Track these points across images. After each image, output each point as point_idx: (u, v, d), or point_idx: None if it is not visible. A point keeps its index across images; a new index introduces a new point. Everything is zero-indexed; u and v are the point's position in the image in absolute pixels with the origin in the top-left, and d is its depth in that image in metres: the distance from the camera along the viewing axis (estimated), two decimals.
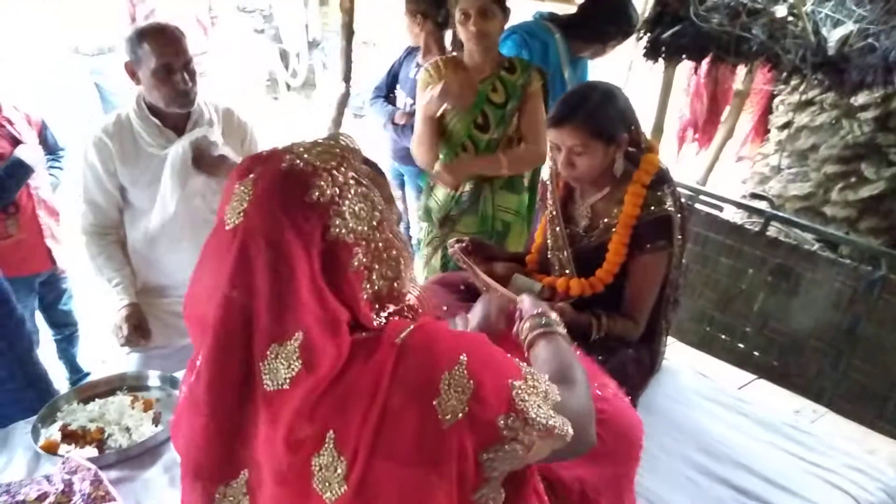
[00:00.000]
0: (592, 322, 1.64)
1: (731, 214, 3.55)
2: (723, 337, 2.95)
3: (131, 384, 1.69)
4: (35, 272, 2.42)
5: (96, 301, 2.67)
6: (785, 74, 2.37)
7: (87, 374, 2.73)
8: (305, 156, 0.78)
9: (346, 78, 3.04)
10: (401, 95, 2.90)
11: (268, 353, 0.75)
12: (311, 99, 7.17)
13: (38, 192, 2.38)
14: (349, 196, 0.77)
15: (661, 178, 1.70)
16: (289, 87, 7.24)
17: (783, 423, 1.72)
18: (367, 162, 0.87)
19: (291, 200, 0.75)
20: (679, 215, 1.71)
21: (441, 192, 2.28)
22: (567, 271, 1.76)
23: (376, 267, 0.80)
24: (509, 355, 0.84)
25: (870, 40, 2.17)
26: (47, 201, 2.44)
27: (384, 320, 0.82)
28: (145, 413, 1.55)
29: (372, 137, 3.12)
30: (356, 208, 0.78)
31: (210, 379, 0.79)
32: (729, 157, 4.62)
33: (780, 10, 2.31)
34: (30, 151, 2.24)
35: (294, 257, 0.75)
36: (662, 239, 1.68)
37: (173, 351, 2.00)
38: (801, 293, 2.68)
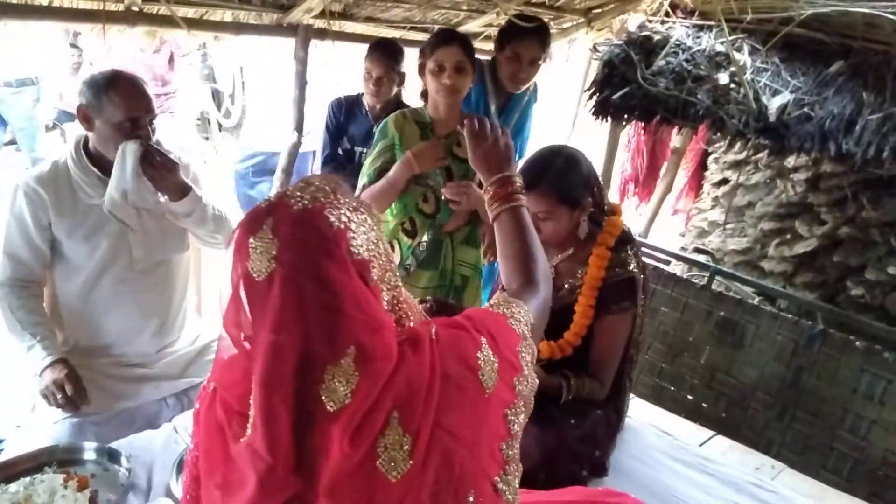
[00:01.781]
0: (562, 385, 1.61)
1: (672, 266, 3.66)
2: (672, 388, 3.00)
3: (62, 458, 1.53)
4: None
5: (5, 359, 2.44)
6: (730, 138, 2.49)
7: (1, 442, 2.48)
8: (307, 197, 0.84)
9: (298, 127, 2.99)
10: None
11: (325, 376, 0.79)
12: (241, 140, 7.04)
13: None
14: (355, 220, 0.85)
15: (625, 240, 1.72)
16: (221, 127, 7.10)
17: (747, 482, 1.73)
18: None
19: (320, 234, 0.82)
20: (642, 276, 1.73)
21: (400, 242, 2.25)
22: None
23: (385, 279, 0.88)
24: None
25: (805, 109, 2.31)
26: None
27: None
28: (80, 493, 1.39)
29: None
30: (362, 229, 0.86)
31: (266, 423, 0.80)
32: (667, 211, 4.81)
33: (723, 78, 2.44)
34: None
35: (336, 282, 0.81)
36: (627, 300, 1.69)
37: (108, 417, 1.83)
38: (746, 346, 2.77)
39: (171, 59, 4.56)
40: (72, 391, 1.68)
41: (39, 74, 4.44)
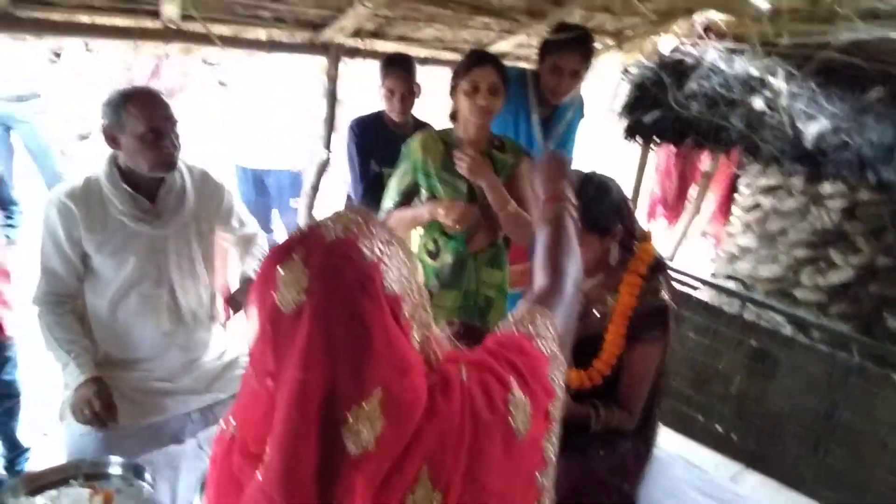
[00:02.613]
0: (591, 414, 1.58)
1: (701, 292, 3.59)
2: (700, 418, 2.92)
3: (88, 471, 1.52)
4: None
5: (36, 368, 2.47)
6: (764, 163, 2.44)
7: (27, 450, 2.50)
8: (339, 227, 0.81)
9: (327, 144, 3.02)
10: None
11: (348, 416, 0.75)
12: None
13: None
14: (388, 253, 0.82)
15: (657, 267, 1.69)
16: None
17: None
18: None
19: (353, 266, 0.78)
20: (674, 305, 1.69)
21: (424, 264, 2.24)
22: None
23: (416, 316, 0.84)
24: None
25: (843, 136, 2.26)
26: None
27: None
28: None
29: None
30: (395, 263, 0.82)
31: (286, 467, 0.75)
32: (695, 234, 4.74)
33: (758, 103, 2.41)
34: None
35: (368, 317, 0.77)
36: (658, 329, 1.66)
37: (134, 431, 1.83)
38: (778, 377, 2.69)
39: (154, 72, 4.62)
40: (100, 408, 1.69)
41: (41, 89, 4.48)
